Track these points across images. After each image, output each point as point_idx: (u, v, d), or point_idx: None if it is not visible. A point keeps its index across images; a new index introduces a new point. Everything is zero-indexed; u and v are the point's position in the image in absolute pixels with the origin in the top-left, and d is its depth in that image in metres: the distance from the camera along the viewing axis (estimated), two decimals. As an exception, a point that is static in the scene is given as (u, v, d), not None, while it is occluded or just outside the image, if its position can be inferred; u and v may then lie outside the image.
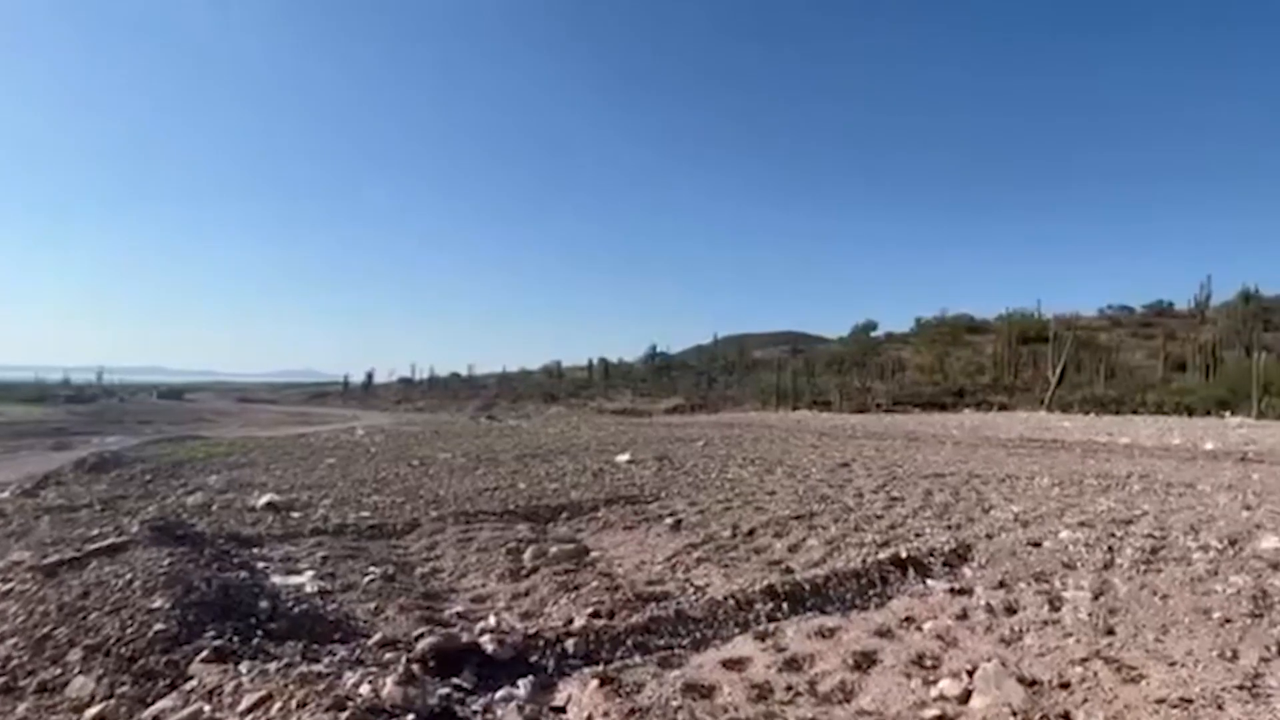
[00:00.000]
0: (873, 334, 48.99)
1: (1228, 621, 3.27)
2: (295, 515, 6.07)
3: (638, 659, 2.88)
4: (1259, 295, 35.69)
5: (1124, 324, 39.46)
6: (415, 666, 2.40)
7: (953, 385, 33.07)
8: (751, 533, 5.29)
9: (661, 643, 3.07)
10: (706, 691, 2.60)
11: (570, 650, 2.87)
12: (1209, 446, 12.38)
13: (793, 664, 2.87)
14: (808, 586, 3.79)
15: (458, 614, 3.53)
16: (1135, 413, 24.56)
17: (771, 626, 3.31)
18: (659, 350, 52.08)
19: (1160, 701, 2.50)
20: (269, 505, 6.33)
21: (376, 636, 2.93)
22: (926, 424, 20.60)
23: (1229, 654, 2.93)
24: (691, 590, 3.95)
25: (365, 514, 6.12)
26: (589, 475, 8.61)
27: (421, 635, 2.78)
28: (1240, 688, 2.60)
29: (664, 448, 12.27)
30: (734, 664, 2.88)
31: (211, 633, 2.81)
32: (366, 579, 4.10)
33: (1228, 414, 22.73)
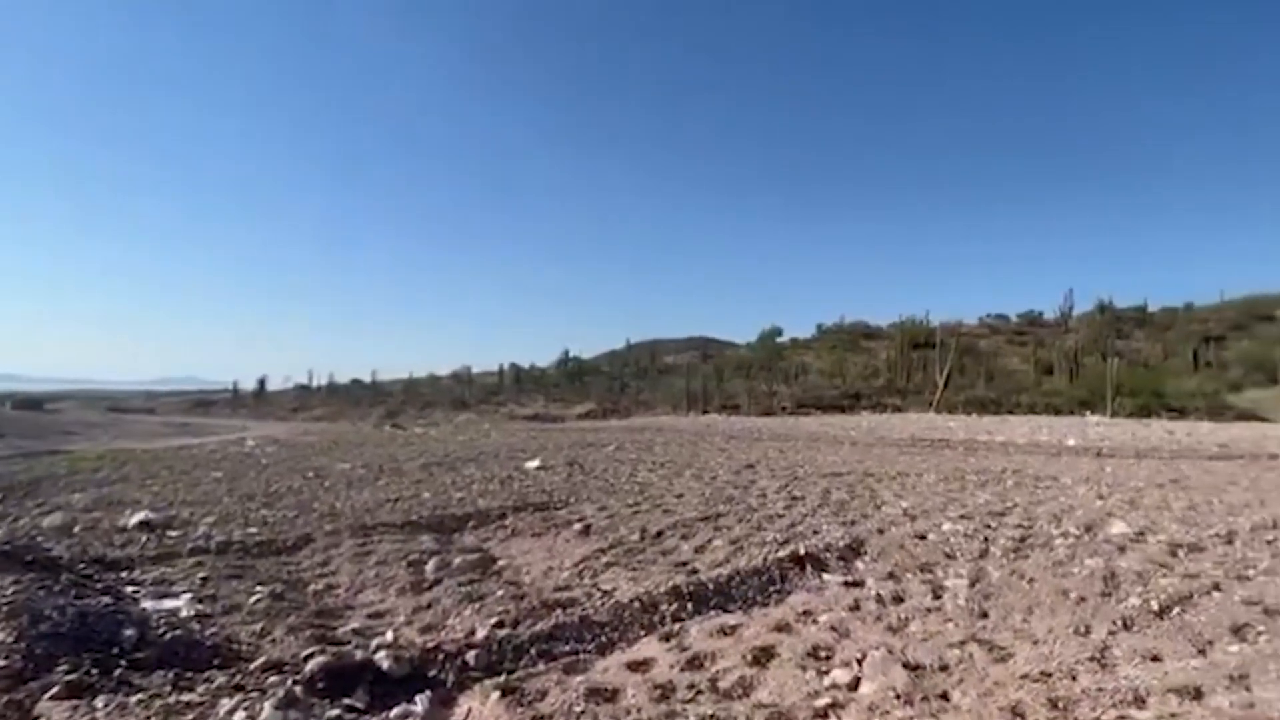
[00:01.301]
0: (778, 340, 50.76)
1: (1083, 600, 3.61)
2: (173, 534, 5.60)
3: (541, 667, 2.85)
4: (1113, 306, 39.76)
5: (1001, 331, 42.84)
6: (299, 689, 2.26)
7: (851, 389, 34.82)
8: (659, 535, 5.35)
9: (566, 649, 3.05)
10: (610, 695, 2.60)
11: (472, 662, 2.80)
12: (1071, 443, 13.64)
13: (695, 662, 2.92)
14: (712, 586, 3.87)
15: (353, 631, 3.37)
16: (1011, 413, 26.73)
17: (676, 627, 3.36)
18: (572, 355, 51.82)
19: (1024, 677, 2.73)
20: (142, 524, 5.81)
21: (260, 660, 2.75)
22: (827, 425, 21.55)
23: (1083, 630, 3.24)
24: (599, 595, 3.94)
25: (253, 530, 5.73)
26: (497, 483, 8.44)
27: (311, 655, 2.63)
28: (1091, 659, 2.88)
29: (575, 453, 12.21)
30: (638, 665, 2.90)
31: (65, 666, 2.54)
32: (252, 599, 3.84)
33: (1088, 413, 25.15)
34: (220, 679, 2.57)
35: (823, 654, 3.00)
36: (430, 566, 4.45)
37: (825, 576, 4.20)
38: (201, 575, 4.32)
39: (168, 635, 3.05)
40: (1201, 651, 2.93)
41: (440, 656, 2.78)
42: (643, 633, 3.31)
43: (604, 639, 3.20)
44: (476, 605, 3.67)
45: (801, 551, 4.52)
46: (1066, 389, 29.21)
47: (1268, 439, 14.25)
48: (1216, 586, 3.73)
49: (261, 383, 52.69)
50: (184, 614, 3.49)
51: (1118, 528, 5.15)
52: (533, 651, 2.97)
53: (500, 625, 3.24)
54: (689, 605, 3.62)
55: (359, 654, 2.66)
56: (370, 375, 52.39)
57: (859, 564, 4.49)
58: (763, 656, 2.96)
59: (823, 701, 2.53)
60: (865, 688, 2.65)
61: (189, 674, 2.63)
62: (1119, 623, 3.27)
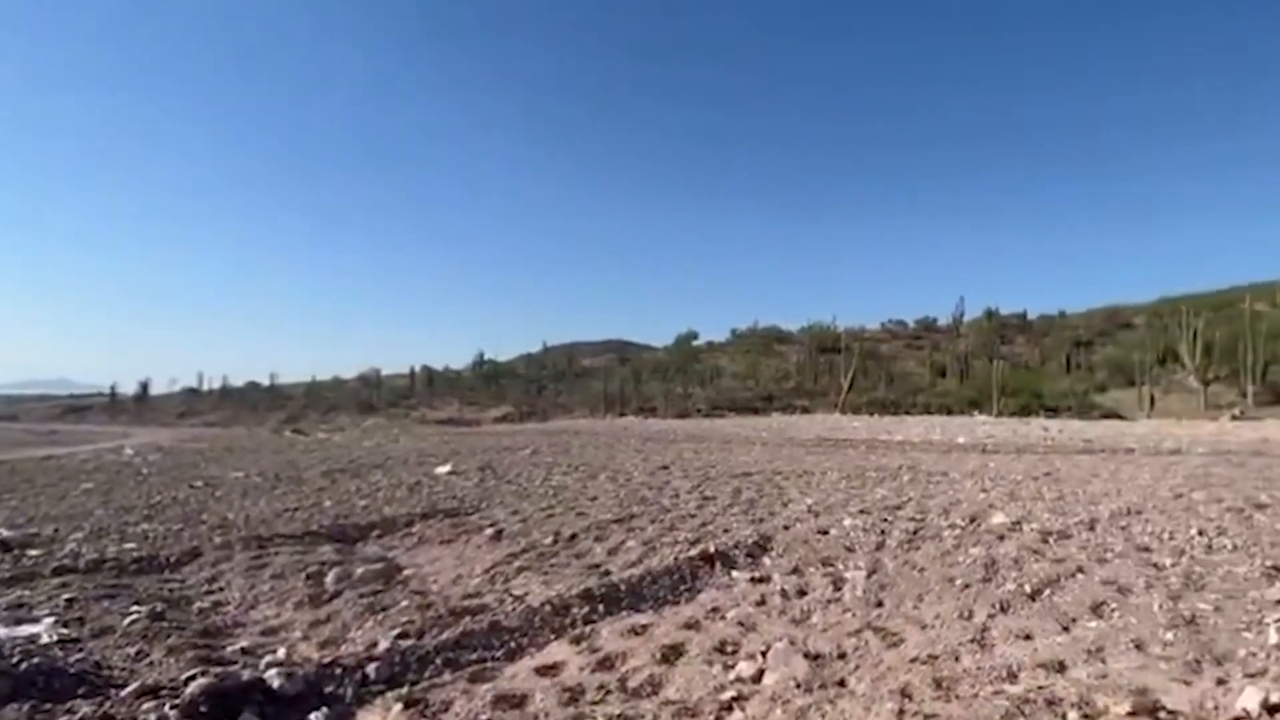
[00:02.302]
0: (694, 343, 51.70)
1: (966, 586, 3.88)
2: (34, 553, 5.07)
3: (447, 676, 2.78)
4: (999, 314, 42.97)
5: (900, 336, 45.40)
6: (177, 714, 2.11)
7: (763, 391, 35.95)
8: (573, 538, 5.33)
9: (474, 656, 2.99)
10: (518, 701, 2.57)
11: (372, 675, 2.69)
12: (961, 440, 14.64)
13: (605, 663, 2.93)
14: (624, 587, 3.90)
15: (241, 650, 3.16)
16: (908, 413, 28.37)
17: (587, 629, 3.36)
18: (487, 358, 50.78)
19: (914, 660, 2.91)
20: (-5, 543, 5.23)
21: (134, 686, 2.54)
22: (740, 427, 22.15)
23: (966, 614, 3.48)
24: (510, 600, 3.89)
25: (131, 546, 5.28)
26: (405, 489, 8.16)
27: (192, 677, 2.45)
28: (973, 641, 3.10)
29: (489, 457, 11.98)
30: (548, 670, 2.88)
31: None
32: (127, 620, 3.54)
33: (976, 412, 27.05)
34: (85, 709, 2.35)
35: (729, 649, 3.08)
36: (330, 578, 4.25)
37: (734, 573, 4.31)
38: (67, 597, 3.94)
39: (23, 664, 2.76)
40: (1066, 629, 3.21)
41: (338, 671, 2.66)
42: (553, 636, 3.29)
43: (513, 645, 3.15)
44: (379, 616, 3.53)
45: (711, 550, 4.63)
46: (957, 390, 31.31)
47: (1126, 435, 15.81)
48: (1080, 569, 4.10)
49: (144, 386, 48.67)
50: (44, 640, 3.17)
51: (998, 518, 5.57)
52: (438, 661, 2.89)
53: (404, 636, 3.13)
54: (601, 607, 3.63)
55: (247, 673, 2.50)
56: (269, 378, 49.44)
57: (766, 560, 4.64)
58: (672, 654, 3.01)
59: (728, 695, 2.60)
60: (768, 679, 2.74)
61: (48, 705, 2.40)
62: (997, 606, 3.54)
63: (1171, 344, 28.01)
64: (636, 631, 3.30)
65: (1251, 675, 2.58)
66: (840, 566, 4.38)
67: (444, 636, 3.10)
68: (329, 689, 2.60)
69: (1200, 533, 5.00)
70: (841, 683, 2.74)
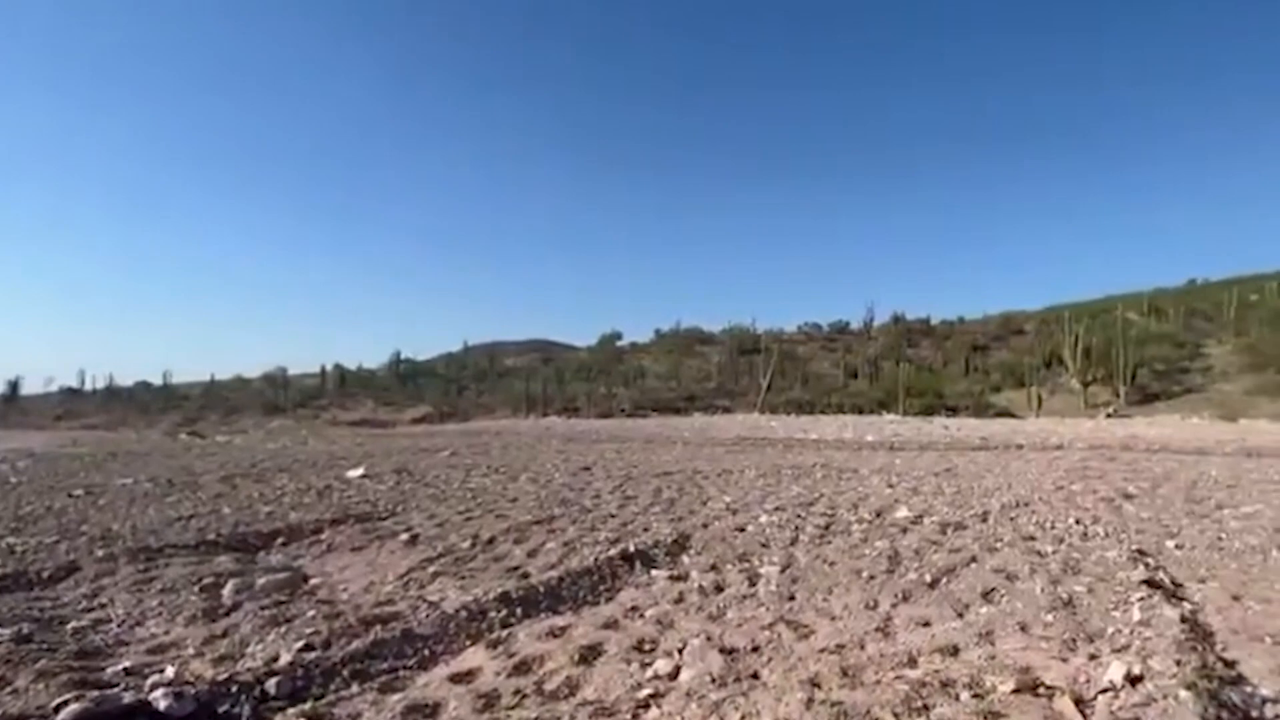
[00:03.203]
0: (618, 343, 51.91)
1: (872, 578, 4.07)
2: (-128, 573, 4.52)
3: (355, 688, 2.67)
4: (905, 318, 45.37)
5: (816, 339, 47.11)
6: (48, 744, 1.93)
7: (686, 391, 36.49)
8: (492, 541, 5.24)
9: (385, 666, 2.89)
10: (431, 710, 2.50)
11: (273, 691, 2.56)
12: (870, 438, 15.36)
13: (522, 667, 2.90)
14: (543, 589, 3.87)
15: (124, 671, 2.93)
16: (823, 412, 29.51)
17: (504, 633, 3.31)
18: (404, 357, 49.11)
19: (823, 650, 3.03)
20: None
21: (-5, 716, 2.30)
22: (663, 427, 22.39)
23: (872, 604, 3.65)
24: (424, 607, 3.77)
25: (-7, 562, 4.79)
26: (314, 494, 7.78)
27: (65, 703, 2.25)
28: (877, 629, 3.26)
29: (405, 459, 11.60)
30: (462, 677, 2.82)
31: None
32: (-12, 645, 3.20)
33: (885, 412, 28.45)
34: (-64, 745, 2.12)
35: (648, 647, 3.11)
36: (228, 590, 4.00)
37: (653, 572, 4.36)
38: (-86, 622, 3.53)
39: None
40: (960, 615, 3.42)
41: (234, 689, 2.51)
42: (469, 642, 3.22)
43: (427, 652, 3.07)
44: (282, 629, 3.36)
45: (631, 549, 4.66)
46: (868, 391, 32.82)
47: (1017, 433, 17.02)
48: (974, 559, 4.39)
49: (13, 385, 44.17)
50: (-114, 671, 2.83)
51: (902, 512, 5.88)
52: (346, 673, 2.78)
53: (309, 648, 2.99)
54: (519, 610, 3.59)
55: (129, 696, 2.32)
56: (162, 377, 45.96)
57: (685, 558, 4.71)
58: (590, 655, 3.01)
59: (645, 693, 2.63)
60: (685, 675, 2.78)
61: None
62: (899, 595, 3.74)
63: (1056, 349, 30.39)
64: (555, 633, 3.28)
65: (1118, 650, 2.83)
66: (756, 562, 4.51)
67: (353, 647, 2.98)
68: (223, 708, 2.45)
69: (1078, 521, 5.46)
70: (755, 675, 2.81)
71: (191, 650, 3.25)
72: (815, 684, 2.64)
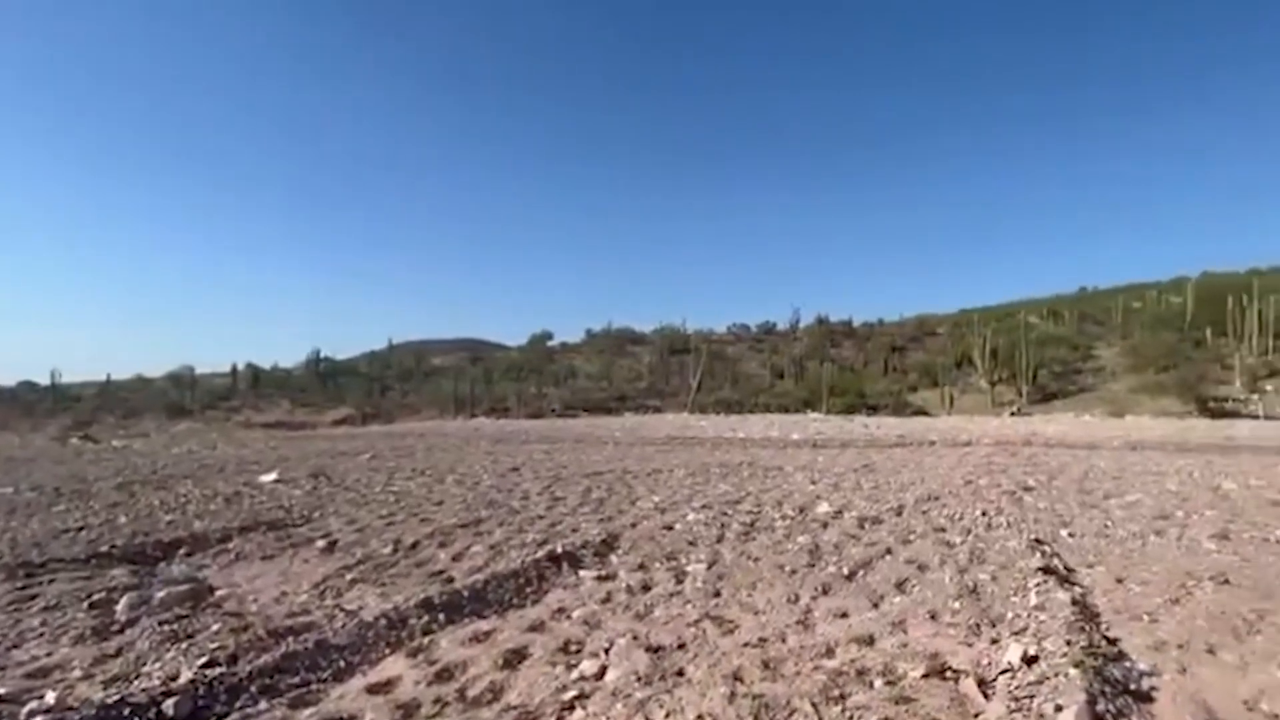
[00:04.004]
0: (549, 343, 51.46)
1: (794, 572, 4.19)
2: None
3: (264, 704, 2.54)
4: (828, 320, 46.98)
5: (744, 339, 48.13)
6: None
7: (617, 391, 36.53)
8: (415, 546, 5.09)
9: (296, 680, 2.76)
10: (346, 723, 2.41)
11: (170, 712, 2.39)
12: (795, 437, 15.81)
13: (444, 674, 2.83)
14: (467, 594, 3.78)
15: (-1, 698, 2.68)
16: (751, 412, 30.16)
17: (426, 640, 3.22)
18: (324, 355, 47.03)
19: (746, 644, 3.09)
20: None
21: None
22: (594, 427, 22.34)
23: (793, 598, 3.76)
24: (341, 616, 3.62)
25: None
26: (221, 501, 7.35)
27: (-75, 738, 2.04)
28: (798, 622, 3.36)
29: (323, 463, 11.12)
30: (381, 687, 2.72)
31: None
32: None
33: (809, 411, 29.35)
34: None
35: (574, 648, 3.09)
36: (122, 605, 3.72)
37: (581, 573, 4.34)
38: None
39: None
40: (876, 605, 3.57)
41: (126, 711, 2.34)
42: (389, 651, 3.12)
43: (343, 663, 2.94)
44: (183, 645, 3.15)
45: (559, 550, 4.62)
46: (793, 390, 33.77)
47: (930, 430, 17.91)
48: (888, 551, 4.58)
49: None
50: None
51: (823, 508, 6.08)
52: (253, 689, 2.63)
53: (213, 664, 2.81)
54: (442, 616, 3.50)
55: (4, 725, 2.12)
56: (50, 376, 42.25)
57: (613, 558, 4.71)
58: (514, 658, 2.96)
59: (570, 695, 2.61)
60: (610, 675, 2.78)
61: None
62: (819, 588, 3.86)
63: (967, 350, 32.18)
64: (479, 638, 3.22)
65: (1017, 633, 3.02)
66: (683, 560, 4.56)
67: (261, 661, 2.83)
68: (114, 733, 2.27)
69: (983, 513, 5.79)
70: (680, 672, 2.84)
71: (78, 672, 3.00)
72: (738, 678, 2.69)
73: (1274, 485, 7.20)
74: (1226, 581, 3.78)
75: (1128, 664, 2.70)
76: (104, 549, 5.12)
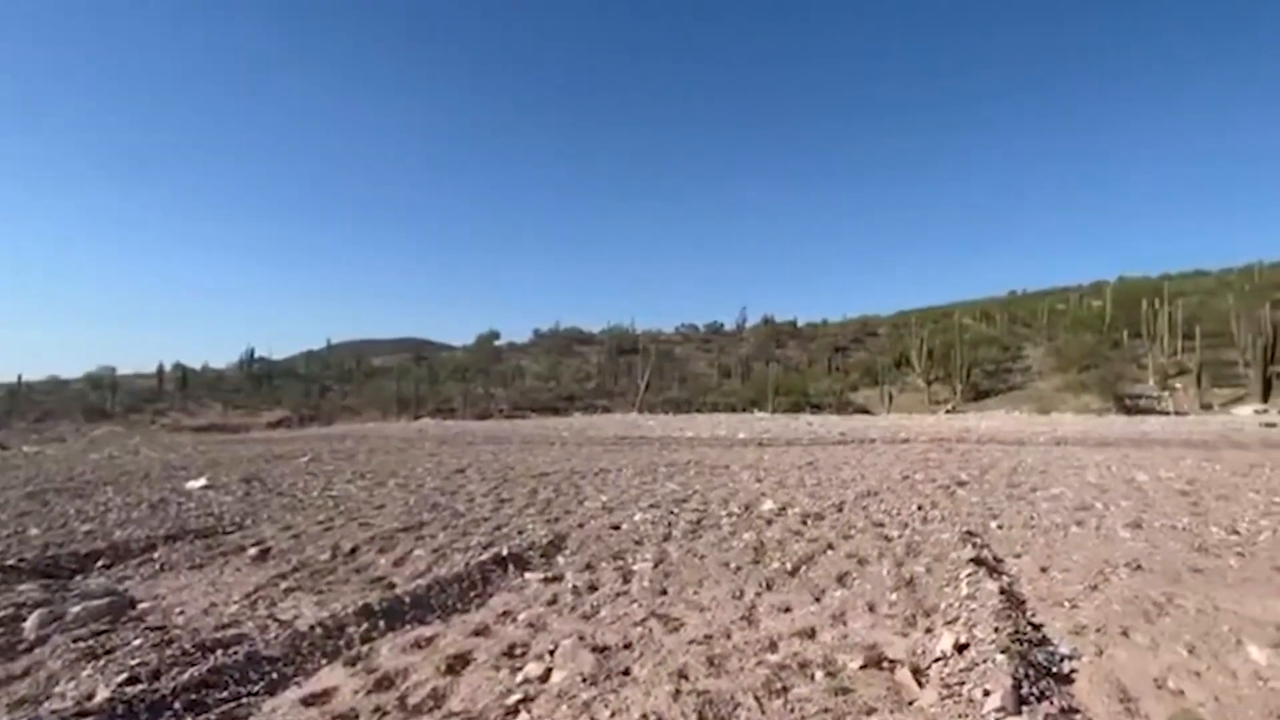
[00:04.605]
0: (496, 343, 50.79)
1: (739, 569, 4.25)
2: None
3: (189, 722, 2.42)
4: (774, 321, 47.89)
5: (692, 339, 48.62)
6: None
7: (565, 391, 36.34)
8: (354, 551, 4.94)
9: (225, 695, 2.64)
10: (278, 737, 2.32)
11: (85, 734, 2.25)
12: (742, 435, 16.04)
13: (384, 683, 2.75)
14: (409, 599, 3.69)
15: (-112, 727, 2.47)
16: (699, 411, 30.47)
17: (366, 648, 3.13)
18: (258, 355, 45.18)
19: (691, 642, 3.11)
20: None
21: None
22: (542, 427, 22.15)
23: (738, 594, 3.81)
24: (274, 626, 3.48)
25: None
26: (145, 508, 6.96)
27: None
28: (743, 618, 3.40)
29: (256, 467, 10.67)
30: (317, 699, 2.63)
31: None
32: None
33: (756, 409, 29.84)
34: None
35: (519, 651, 3.06)
36: (31, 622, 3.48)
37: (527, 575, 4.29)
38: None
39: None
40: (817, 599, 3.65)
41: (35, 735, 2.18)
42: (325, 661, 3.02)
43: (276, 675, 2.83)
44: (100, 662, 2.97)
45: (505, 553, 4.56)
46: (740, 390, 34.29)
47: (871, 428, 18.46)
48: (830, 546, 4.70)
49: None
50: None
51: (768, 505, 6.19)
52: (177, 705, 2.50)
53: (133, 681, 2.66)
54: (382, 623, 3.40)
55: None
56: (-49, 378, 39.17)
57: (560, 559, 4.68)
58: (458, 664, 2.91)
59: (514, 699, 2.58)
60: (556, 677, 2.76)
61: None
62: (763, 584, 3.93)
63: (905, 350, 33.31)
64: (420, 645, 3.15)
65: (949, 622, 3.14)
66: (630, 560, 4.56)
67: (187, 676, 2.69)
68: (21, 759, 2.13)
69: (919, 508, 6.00)
70: (626, 672, 2.84)
71: (-20, 696, 2.80)
72: (683, 675, 2.71)
73: (1182, 477, 7.71)
74: (1139, 568, 4.02)
75: (1050, 648, 2.84)
76: (11, 562, 4.78)
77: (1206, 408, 22.64)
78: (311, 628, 3.23)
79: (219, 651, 2.99)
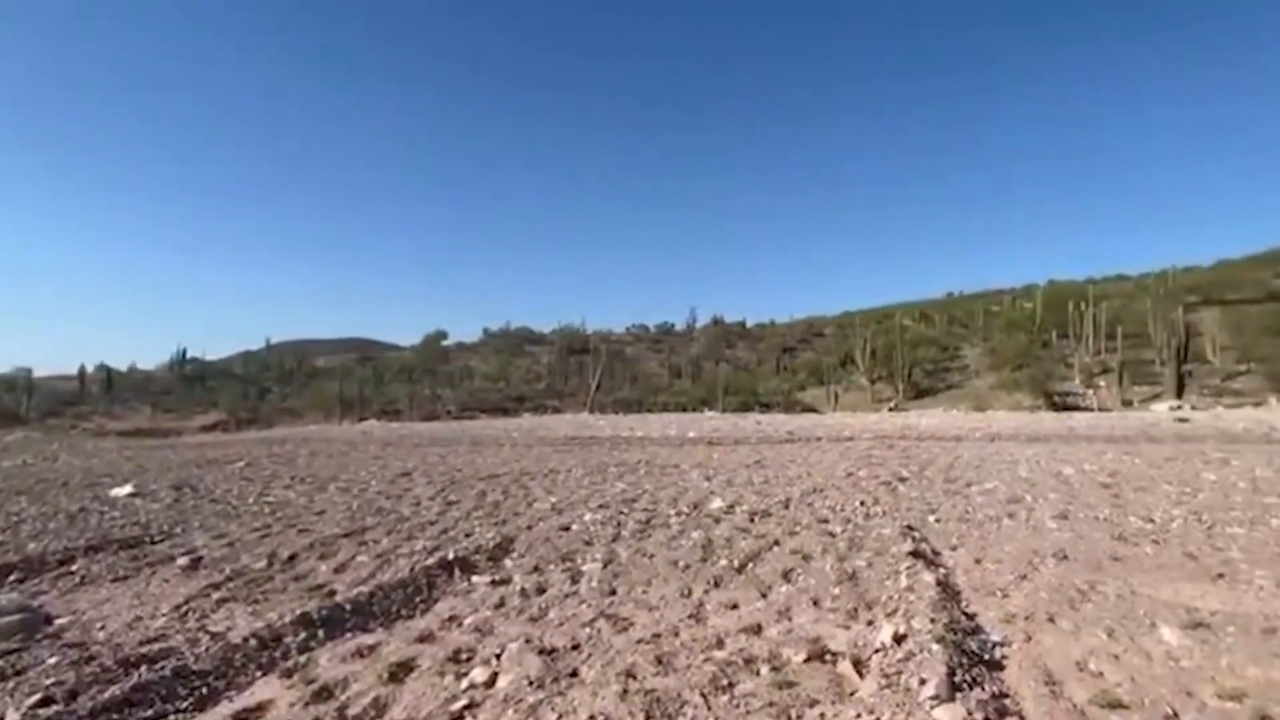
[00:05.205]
0: (444, 343, 49.87)
1: (688, 567, 4.28)
2: None
3: (110, 743, 2.29)
4: (724, 321, 48.48)
5: (643, 339, 48.76)
6: None
7: (515, 391, 35.95)
8: (292, 559, 4.78)
9: (150, 713, 2.51)
10: (208, 755, 2.22)
11: (-7, 760, 2.11)
12: (692, 435, 16.18)
13: (323, 693, 2.67)
14: (350, 607, 3.59)
15: None
16: (650, 411, 30.59)
17: (304, 659, 3.03)
18: (191, 355, 43.18)
19: (640, 641, 3.12)
20: None
21: None
22: (491, 428, 21.86)
23: (687, 592, 3.84)
24: (205, 639, 3.33)
25: None
26: (63, 518, 6.56)
27: None
28: (691, 616, 3.43)
29: (188, 473, 10.20)
30: (251, 712, 2.53)
31: None
32: None
33: (706, 409, 30.14)
34: None
35: (465, 656, 3.01)
36: (-67, 643, 3.24)
37: (474, 579, 4.23)
38: None
39: None
40: (764, 595, 3.71)
41: (-65, 765, 2.03)
42: (261, 673, 2.90)
43: (206, 691, 2.71)
44: (11, 683, 2.78)
45: (451, 556, 4.49)
46: (690, 389, 34.57)
47: (818, 426, 18.87)
48: (776, 542, 4.79)
49: None
50: None
51: (716, 503, 6.27)
52: (97, 726, 2.37)
53: (47, 702, 2.51)
54: (321, 632, 3.30)
55: None
56: None
57: (508, 561, 4.63)
58: (400, 671, 2.84)
59: (459, 705, 2.54)
60: (502, 681, 2.73)
61: None
62: (711, 582, 3.97)
63: (850, 350, 34.19)
64: (362, 653, 3.06)
65: (890, 614, 3.24)
66: (579, 561, 4.55)
67: (108, 694, 2.55)
68: (-82, 790, 1.98)
69: (862, 503, 6.17)
70: (574, 673, 2.83)
71: (-128, 724, 2.59)
72: (631, 675, 2.72)
73: (1104, 470, 8.15)
74: (1065, 557, 4.24)
75: (983, 636, 2.96)
76: (-90, 579, 4.44)
77: (1127, 404, 24.00)
78: (246, 639, 3.11)
79: (144, 667, 2.85)
